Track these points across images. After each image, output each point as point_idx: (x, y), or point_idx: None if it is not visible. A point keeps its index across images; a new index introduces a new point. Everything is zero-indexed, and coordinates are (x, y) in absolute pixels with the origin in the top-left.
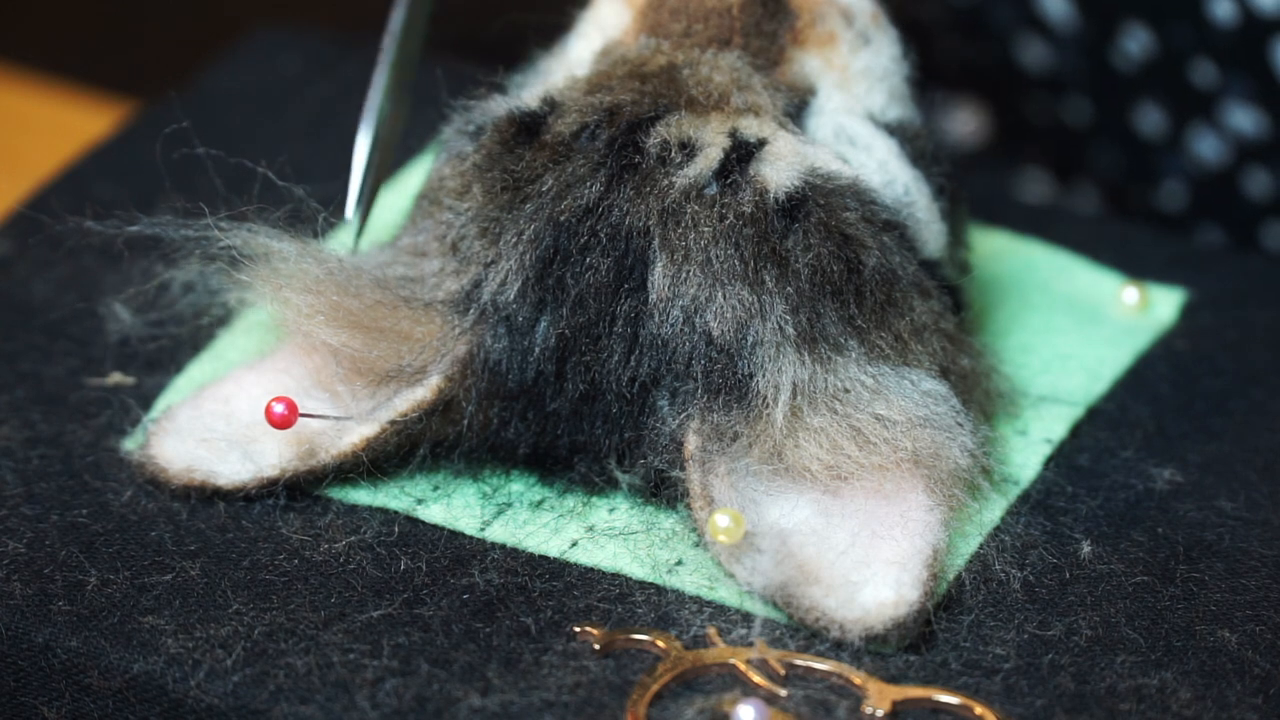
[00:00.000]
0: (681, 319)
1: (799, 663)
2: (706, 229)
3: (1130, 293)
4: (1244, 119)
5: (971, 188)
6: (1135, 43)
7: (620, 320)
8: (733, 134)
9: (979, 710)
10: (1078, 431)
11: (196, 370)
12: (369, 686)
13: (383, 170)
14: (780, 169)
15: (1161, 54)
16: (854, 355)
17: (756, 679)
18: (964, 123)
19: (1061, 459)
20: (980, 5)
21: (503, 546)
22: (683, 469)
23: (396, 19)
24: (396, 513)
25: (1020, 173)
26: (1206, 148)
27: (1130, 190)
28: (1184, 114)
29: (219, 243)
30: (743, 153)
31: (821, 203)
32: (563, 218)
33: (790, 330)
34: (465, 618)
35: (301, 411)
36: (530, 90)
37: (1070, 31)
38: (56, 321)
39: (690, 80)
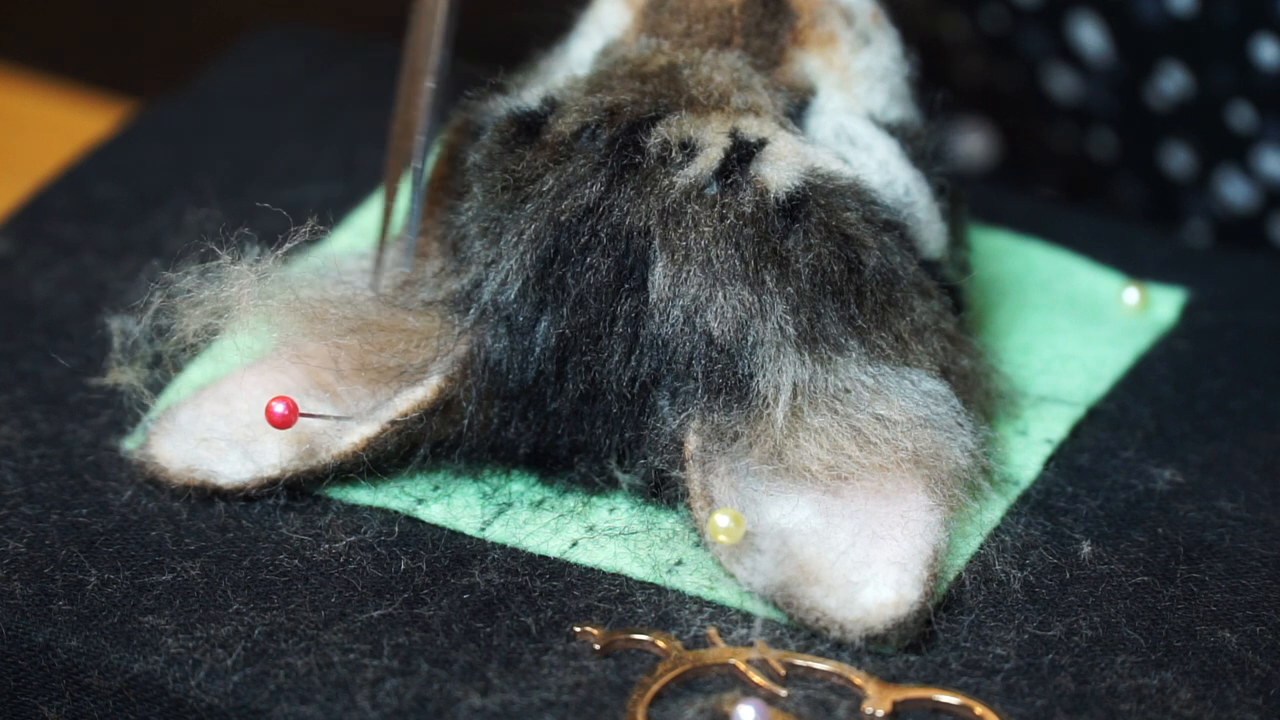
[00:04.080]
0: (682, 319)
1: (799, 663)
2: (707, 229)
3: (1130, 293)
4: (1277, 164)
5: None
6: (1171, 82)
7: (620, 320)
8: (733, 134)
9: (979, 710)
10: (1078, 432)
11: (196, 370)
12: (369, 686)
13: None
14: (781, 169)
15: (1198, 95)
16: (854, 355)
17: (756, 679)
18: (970, 145)
19: (1062, 459)
20: (1012, 31)
21: (503, 546)
22: (683, 469)
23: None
24: (397, 512)
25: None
26: (1235, 191)
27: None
28: (1214, 156)
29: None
30: (743, 153)
31: (822, 203)
32: (563, 217)
33: (791, 330)
34: (465, 618)
35: (302, 411)
36: (531, 90)
37: (1104, 66)
38: (56, 321)
39: (691, 80)
